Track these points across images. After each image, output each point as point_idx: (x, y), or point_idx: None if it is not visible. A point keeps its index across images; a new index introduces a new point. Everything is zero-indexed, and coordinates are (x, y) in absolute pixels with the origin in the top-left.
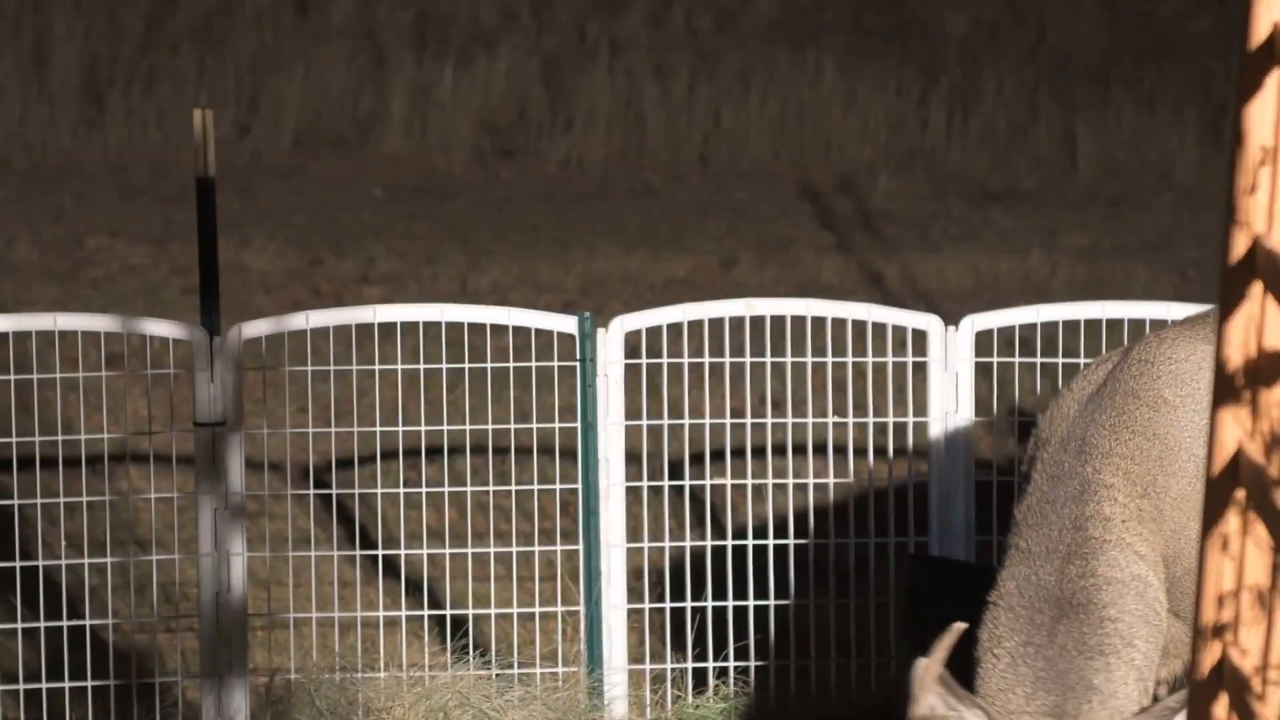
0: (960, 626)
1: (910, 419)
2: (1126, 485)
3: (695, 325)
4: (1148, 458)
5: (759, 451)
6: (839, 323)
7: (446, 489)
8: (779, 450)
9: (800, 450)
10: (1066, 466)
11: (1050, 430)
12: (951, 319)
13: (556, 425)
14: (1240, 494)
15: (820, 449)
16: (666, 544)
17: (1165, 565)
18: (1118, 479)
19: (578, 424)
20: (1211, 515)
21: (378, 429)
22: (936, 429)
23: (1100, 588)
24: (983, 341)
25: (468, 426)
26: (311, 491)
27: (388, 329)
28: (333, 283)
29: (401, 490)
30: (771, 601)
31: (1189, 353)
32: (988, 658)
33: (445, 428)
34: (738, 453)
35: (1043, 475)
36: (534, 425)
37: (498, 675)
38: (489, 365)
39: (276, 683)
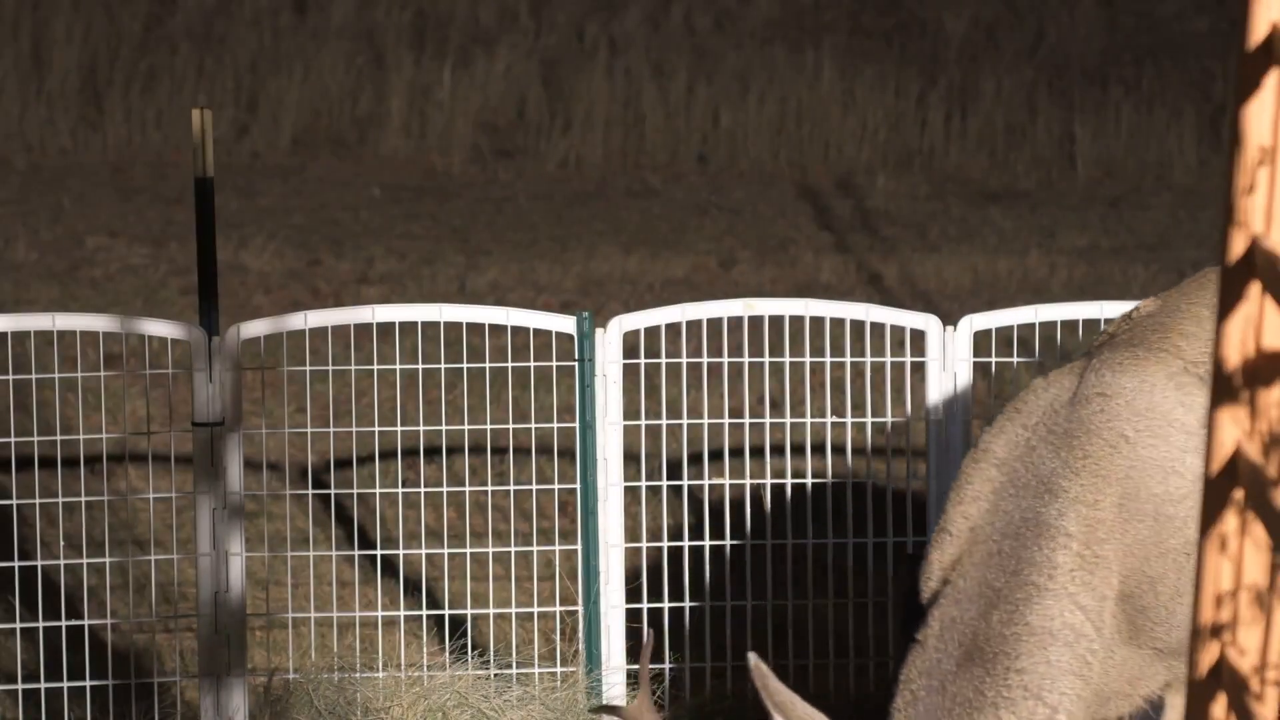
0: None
1: (909, 419)
2: (1084, 533)
3: (694, 325)
4: (1108, 503)
5: (758, 451)
6: (837, 323)
7: (445, 489)
8: (778, 450)
9: (799, 450)
10: (1024, 505)
11: (999, 455)
12: (950, 319)
13: (555, 425)
14: (1238, 494)
15: (819, 449)
16: (665, 544)
17: (1120, 604)
18: (1079, 526)
19: (576, 424)
20: (1210, 515)
21: (376, 429)
22: (935, 429)
23: (1021, 638)
24: (981, 341)
25: (466, 426)
26: (310, 491)
27: (386, 329)
28: (331, 283)
29: (400, 490)
30: (770, 601)
31: (1140, 381)
32: (901, 693)
33: (444, 428)
34: (736, 453)
35: (996, 509)
36: (532, 425)
37: (496, 675)
38: (487, 365)
39: (275, 682)
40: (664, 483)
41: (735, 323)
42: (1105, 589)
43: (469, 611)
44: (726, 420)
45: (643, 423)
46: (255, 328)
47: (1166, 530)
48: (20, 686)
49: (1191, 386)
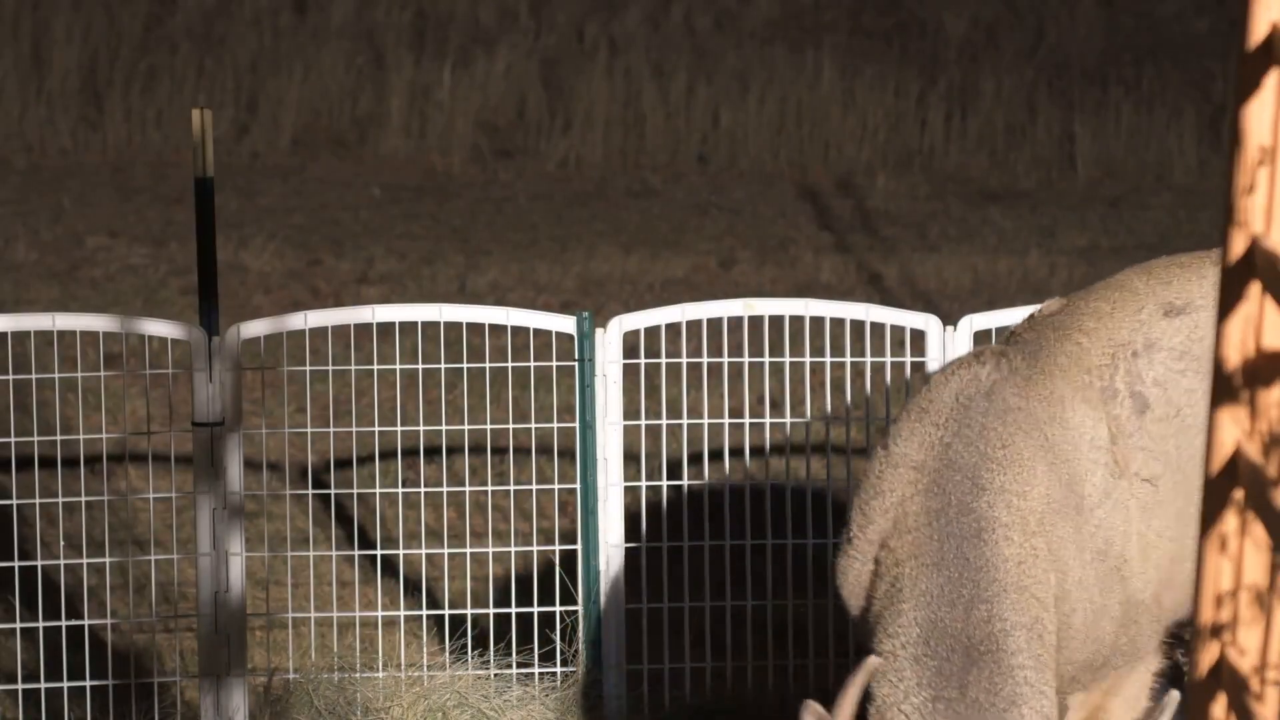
0: (875, 661)
1: None
2: (1020, 523)
3: (694, 325)
4: (1036, 494)
5: (758, 451)
6: (837, 323)
7: (445, 489)
8: (778, 450)
9: (799, 450)
10: (955, 501)
11: (915, 458)
12: (950, 319)
13: (555, 425)
14: (1238, 494)
15: (819, 449)
16: (665, 544)
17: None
18: (1013, 517)
19: (576, 424)
20: (1210, 515)
21: (376, 429)
22: None
23: (1009, 633)
24: (981, 341)
25: (466, 426)
26: (310, 491)
27: (386, 329)
28: (331, 283)
29: (400, 490)
30: (770, 601)
31: (1050, 392)
32: (893, 714)
33: (444, 427)
34: (736, 453)
35: (927, 510)
36: (532, 425)
37: (496, 675)
38: (487, 365)
39: (275, 682)
40: (664, 483)
41: (735, 323)
42: (1047, 580)
43: (469, 611)
44: (726, 420)
45: (643, 423)
46: (255, 328)
47: (1085, 532)
48: (20, 686)
49: (1096, 400)
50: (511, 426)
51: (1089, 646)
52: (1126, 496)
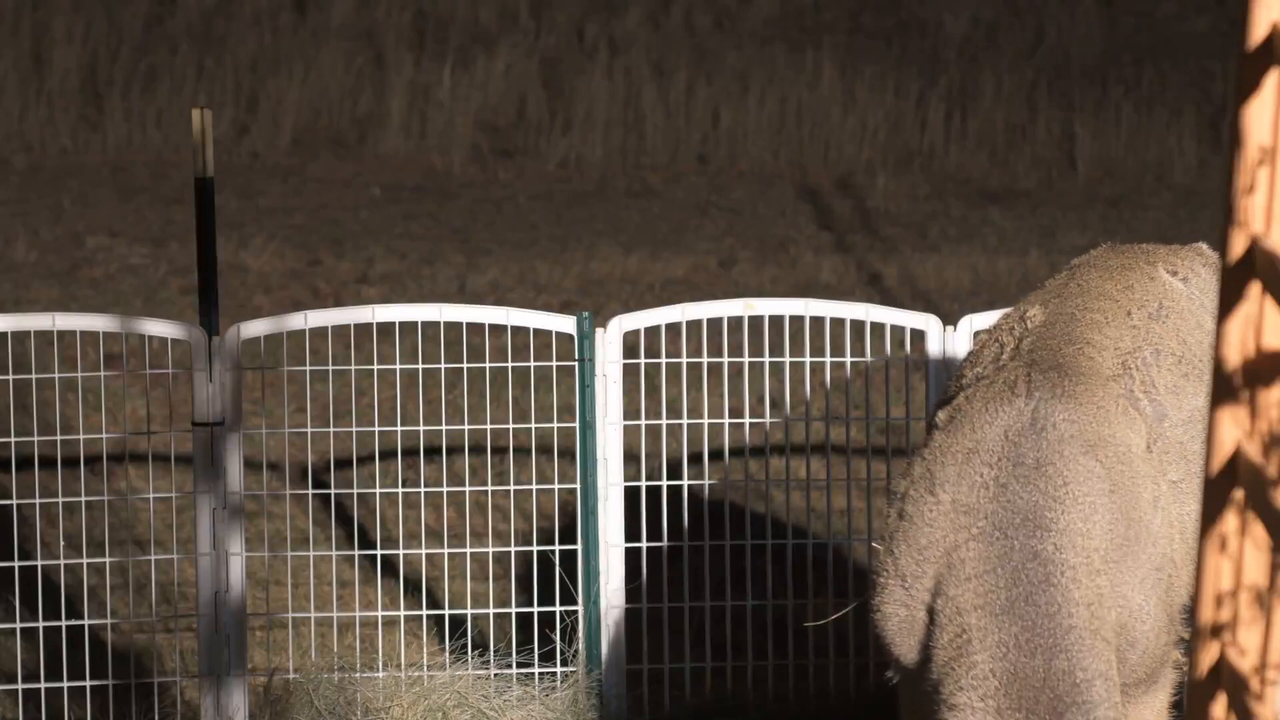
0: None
1: (909, 419)
2: (1085, 564)
3: (694, 325)
4: (1098, 531)
5: (758, 451)
6: (837, 322)
7: (445, 489)
8: (778, 450)
9: (799, 450)
10: (1019, 545)
11: (967, 501)
12: (950, 319)
13: (555, 425)
14: (1239, 494)
15: (819, 449)
16: (665, 544)
17: (1116, 635)
18: (1080, 558)
19: (576, 424)
20: (1210, 515)
21: (376, 429)
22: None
23: (1090, 683)
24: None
25: (466, 426)
26: (310, 491)
27: (386, 329)
28: (331, 283)
29: (400, 490)
30: (770, 601)
31: (1096, 409)
32: None
33: (444, 427)
34: (736, 453)
35: (987, 556)
36: (532, 425)
37: (496, 675)
38: (488, 365)
39: (275, 682)
40: (664, 483)
41: (735, 323)
42: (1110, 620)
43: (469, 611)
44: (726, 420)
45: (643, 423)
46: (255, 328)
47: (1144, 557)
48: (20, 686)
49: (1131, 410)
50: (511, 426)
51: (1145, 666)
52: (1170, 501)
